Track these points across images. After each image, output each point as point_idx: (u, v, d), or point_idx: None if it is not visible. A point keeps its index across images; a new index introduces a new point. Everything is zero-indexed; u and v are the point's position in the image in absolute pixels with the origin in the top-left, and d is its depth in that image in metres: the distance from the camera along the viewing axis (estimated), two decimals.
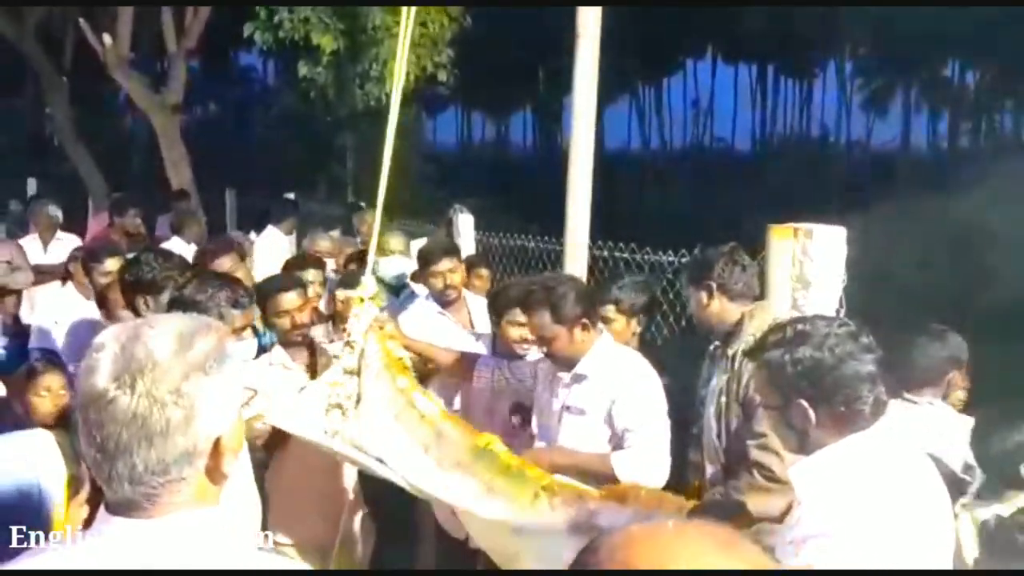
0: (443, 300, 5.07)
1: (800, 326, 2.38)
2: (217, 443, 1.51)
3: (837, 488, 2.23)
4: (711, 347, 3.68)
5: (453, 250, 5.33)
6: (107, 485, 1.49)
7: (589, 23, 5.00)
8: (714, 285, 3.54)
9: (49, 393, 3.50)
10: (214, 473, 1.53)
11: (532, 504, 3.32)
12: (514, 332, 4.33)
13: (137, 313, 3.88)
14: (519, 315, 4.16)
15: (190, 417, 1.46)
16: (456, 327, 5.03)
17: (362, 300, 3.92)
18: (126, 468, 1.46)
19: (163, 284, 3.85)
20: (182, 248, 6.87)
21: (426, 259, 5.21)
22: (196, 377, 1.47)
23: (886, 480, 2.24)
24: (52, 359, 4.03)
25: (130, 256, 4.44)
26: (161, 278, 3.87)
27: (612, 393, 3.68)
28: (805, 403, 2.28)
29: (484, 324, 4.89)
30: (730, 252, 3.62)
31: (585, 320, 3.70)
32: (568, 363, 3.76)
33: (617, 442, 3.69)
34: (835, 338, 2.29)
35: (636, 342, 4.37)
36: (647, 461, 3.60)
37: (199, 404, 1.47)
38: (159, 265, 3.95)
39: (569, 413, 3.76)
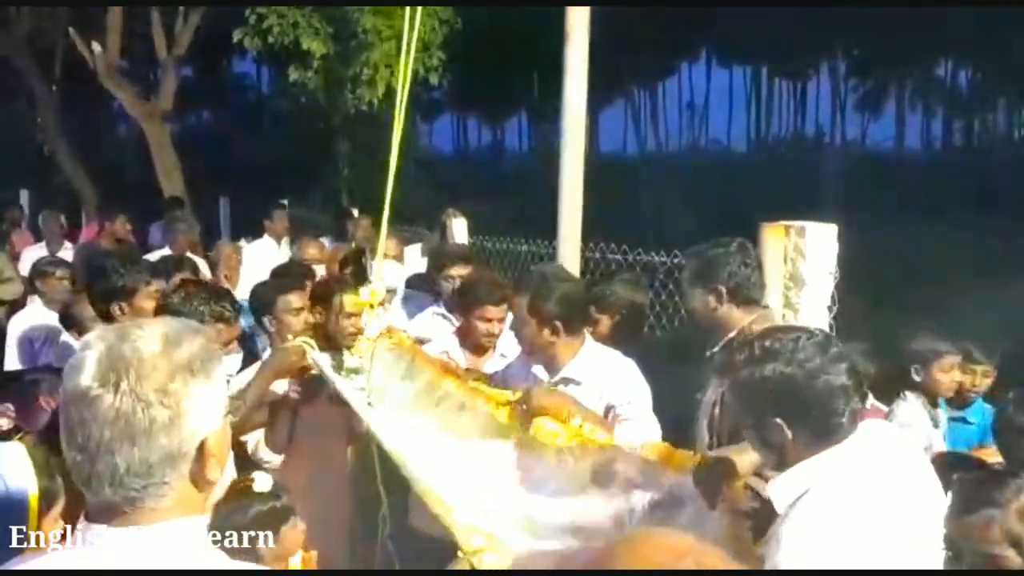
0: (451, 304, 5.13)
1: (767, 342, 2.27)
2: (202, 446, 1.48)
3: (818, 502, 2.15)
4: (708, 353, 3.47)
5: (468, 257, 5.40)
6: (87, 488, 1.46)
7: (577, 27, 4.99)
8: (724, 290, 3.30)
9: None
10: (199, 479, 1.50)
11: (557, 457, 3.27)
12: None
13: (113, 321, 3.87)
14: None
15: (175, 417, 1.44)
16: (451, 331, 5.06)
17: (372, 306, 3.89)
18: (107, 469, 1.43)
19: (135, 287, 3.88)
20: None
21: (440, 262, 5.30)
22: (182, 377, 1.45)
23: (868, 491, 2.17)
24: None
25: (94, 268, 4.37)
26: (131, 282, 3.89)
27: (608, 400, 3.58)
28: (780, 421, 2.20)
29: None
30: (740, 252, 3.36)
31: (557, 324, 3.57)
32: (540, 360, 3.65)
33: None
34: (803, 352, 2.20)
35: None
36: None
37: (185, 404, 1.45)
38: (126, 270, 3.97)
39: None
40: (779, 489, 2.23)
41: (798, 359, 2.20)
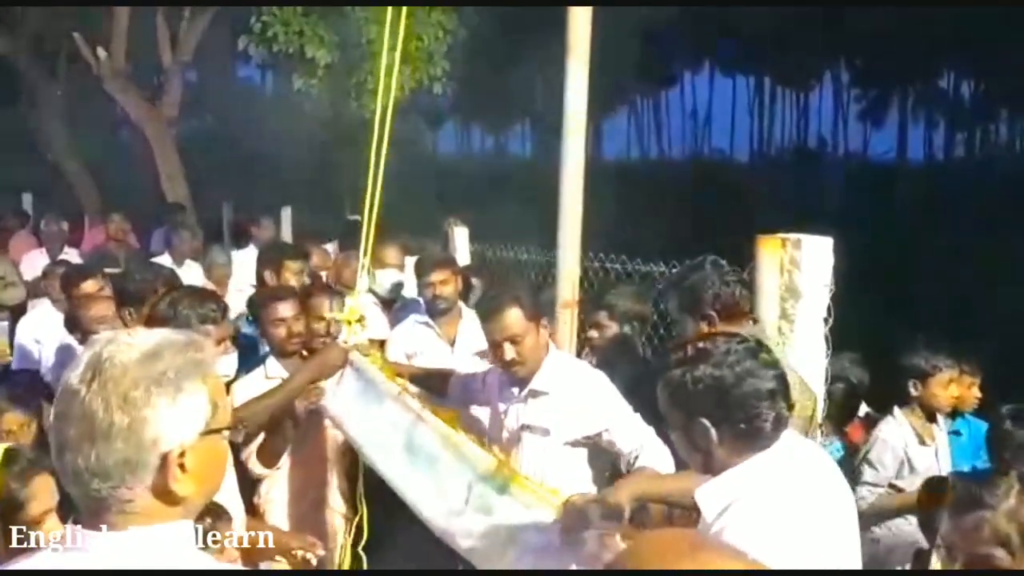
0: (433, 310, 5.17)
1: (700, 344, 2.37)
2: (165, 458, 1.49)
3: (744, 510, 2.21)
4: None
5: (446, 262, 5.42)
6: (62, 483, 1.53)
7: (579, 37, 5.00)
8: (714, 314, 3.39)
9: (10, 436, 3.48)
10: (164, 492, 1.50)
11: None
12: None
13: (124, 325, 3.93)
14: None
15: (133, 424, 1.46)
16: (435, 338, 5.15)
17: (350, 322, 3.92)
18: (70, 465, 1.48)
19: (142, 295, 3.93)
20: (169, 262, 6.91)
21: (419, 269, 5.32)
22: (146, 387, 1.47)
23: (791, 499, 2.24)
24: (15, 395, 3.93)
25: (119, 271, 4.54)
26: (140, 289, 3.96)
27: (582, 418, 3.55)
28: (706, 422, 2.27)
29: (474, 336, 4.90)
30: (716, 271, 3.45)
31: (544, 321, 3.67)
32: (527, 369, 3.61)
33: (634, 455, 3.49)
34: (734, 355, 2.28)
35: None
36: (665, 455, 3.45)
37: (145, 414, 1.47)
38: (140, 276, 4.05)
39: (531, 432, 3.59)
40: (707, 497, 2.30)
41: (728, 361, 2.27)
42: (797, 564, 2.12)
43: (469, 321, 5.10)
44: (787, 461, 2.31)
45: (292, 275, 5.52)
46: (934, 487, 3.96)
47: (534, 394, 3.62)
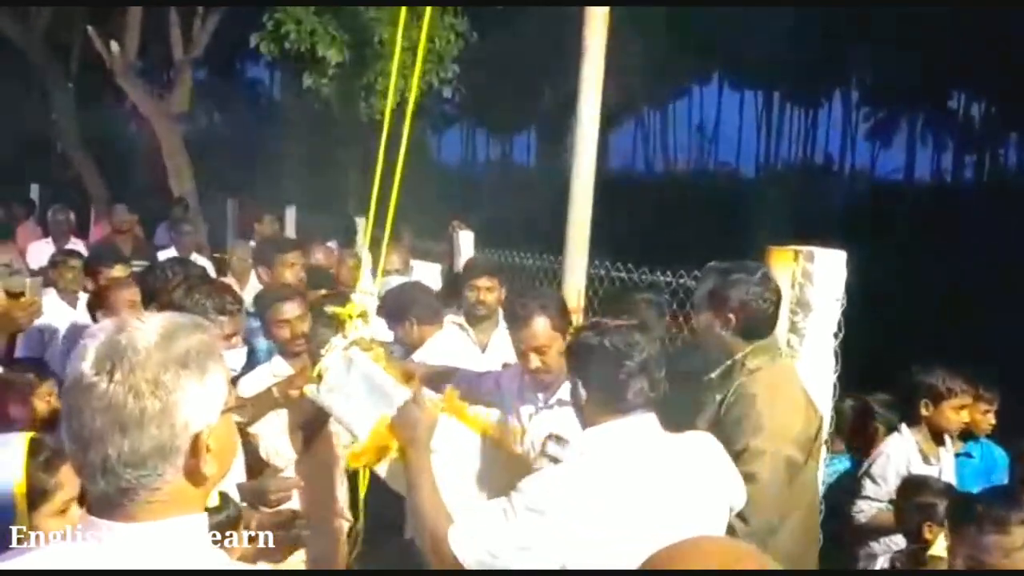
0: (472, 315, 5.18)
1: (602, 320, 2.76)
2: (196, 440, 1.48)
3: (585, 465, 2.46)
4: (706, 378, 3.37)
5: (497, 271, 5.44)
6: (83, 478, 1.47)
7: (594, 42, 5.00)
8: (733, 318, 3.21)
9: (50, 401, 3.47)
10: (195, 474, 1.49)
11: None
12: None
13: None
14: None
15: (166, 409, 1.44)
16: (467, 341, 5.10)
17: (351, 317, 3.87)
18: (99, 458, 1.43)
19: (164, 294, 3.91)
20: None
21: (469, 271, 5.34)
22: (174, 370, 1.45)
23: (631, 468, 2.43)
24: (40, 368, 3.92)
25: (148, 264, 4.51)
26: (164, 288, 3.92)
27: None
28: (578, 379, 2.57)
29: (506, 348, 4.86)
30: (762, 283, 3.24)
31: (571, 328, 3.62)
32: (554, 376, 3.57)
33: None
34: (613, 329, 2.57)
35: None
36: None
37: (176, 397, 1.45)
38: (171, 275, 4.03)
39: (556, 443, 3.34)
40: (570, 452, 2.64)
41: (609, 330, 2.57)
42: (617, 528, 2.28)
43: (503, 332, 5.05)
44: (643, 438, 2.50)
45: (287, 269, 5.45)
46: (913, 486, 3.95)
47: (561, 403, 3.55)
